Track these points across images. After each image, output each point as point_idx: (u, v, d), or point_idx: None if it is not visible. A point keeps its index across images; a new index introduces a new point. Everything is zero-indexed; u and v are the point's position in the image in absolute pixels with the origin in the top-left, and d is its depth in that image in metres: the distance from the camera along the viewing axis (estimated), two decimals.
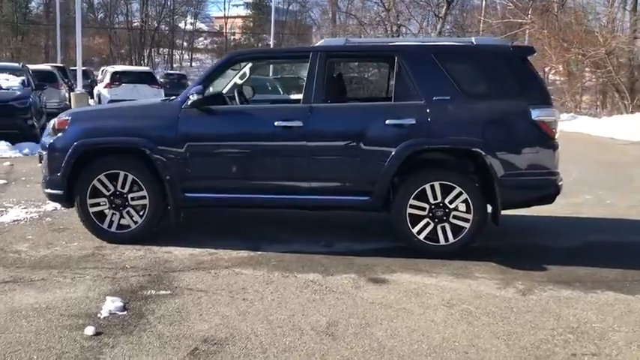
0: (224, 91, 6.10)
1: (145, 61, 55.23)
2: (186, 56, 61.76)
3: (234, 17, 62.12)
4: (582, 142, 14.50)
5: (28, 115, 11.26)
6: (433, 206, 4.87)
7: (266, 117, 5.02)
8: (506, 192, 4.82)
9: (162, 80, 24.94)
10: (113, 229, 5.15)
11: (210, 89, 5.46)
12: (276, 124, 4.91)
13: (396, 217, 4.93)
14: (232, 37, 61.26)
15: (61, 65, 22.60)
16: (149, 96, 16.62)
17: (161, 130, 4.99)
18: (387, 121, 4.82)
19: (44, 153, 5.24)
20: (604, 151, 13.20)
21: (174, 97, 5.37)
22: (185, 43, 61.55)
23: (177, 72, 38.22)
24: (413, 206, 4.88)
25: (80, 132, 5.08)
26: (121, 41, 56.35)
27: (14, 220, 5.90)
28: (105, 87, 18.54)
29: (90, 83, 23.79)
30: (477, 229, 4.88)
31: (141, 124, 5.07)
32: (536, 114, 4.78)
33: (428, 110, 4.81)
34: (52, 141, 5.17)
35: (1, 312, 3.66)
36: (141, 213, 5.12)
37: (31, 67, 15.67)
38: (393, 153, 4.80)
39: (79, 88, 18.59)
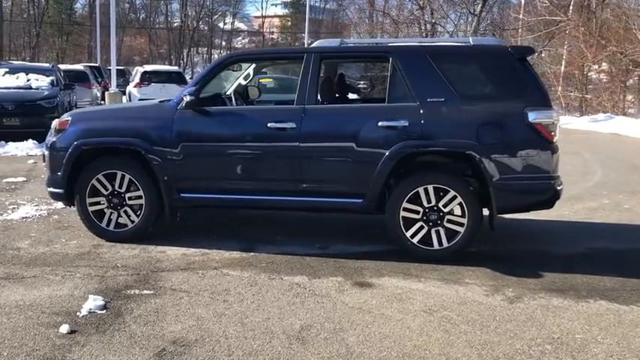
0: (228, 92, 6.15)
1: (185, 60, 56.15)
2: None
3: (272, 17, 62.59)
4: (615, 144, 14.06)
5: (55, 115, 11.49)
6: (427, 210, 4.79)
7: (259, 118, 5.02)
8: (502, 196, 4.69)
9: None
10: (111, 227, 5.24)
11: (211, 90, 5.50)
12: (269, 125, 4.90)
13: (389, 220, 4.86)
14: (270, 37, 61.72)
15: (97, 65, 23.15)
16: None
17: (156, 131, 5.05)
18: (379, 123, 4.76)
19: (47, 152, 5.37)
20: (636, 154, 12.74)
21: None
22: (224, 43, 62.32)
23: None
24: (406, 209, 4.81)
25: (79, 132, 5.18)
26: (160, 41, 57.43)
27: (23, 218, 6.06)
28: (135, 86, 18.93)
29: (123, 82, 24.26)
30: (472, 233, 4.77)
31: (137, 125, 5.13)
32: (533, 116, 4.63)
33: (421, 112, 4.72)
34: (53, 141, 5.29)
35: None
36: (138, 212, 5.19)
37: (64, 67, 16.11)
38: (385, 155, 4.74)
39: (114, 87, 19.08)
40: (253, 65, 6.28)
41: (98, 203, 5.22)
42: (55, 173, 5.24)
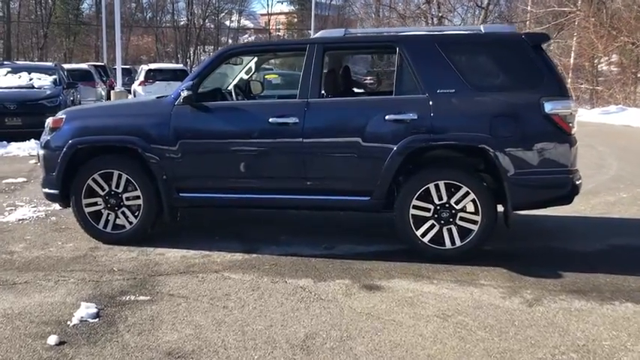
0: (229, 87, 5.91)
1: (191, 58, 56.01)
2: None
3: (278, 14, 62.36)
4: (628, 136, 13.70)
5: None
6: (438, 207, 4.53)
7: (260, 113, 4.78)
8: (518, 191, 4.43)
9: None
10: (109, 229, 5.02)
11: (210, 85, 5.27)
12: (270, 120, 4.67)
13: (398, 219, 4.61)
14: (277, 34, 61.48)
15: (102, 64, 23.01)
16: None
17: (153, 128, 4.82)
18: (386, 117, 4.51)
19: (41, 152, 5.16)
20: None
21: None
22: (230, 41, 62.08)
23: None
24: (416, 207, 4.56)
25: (74, 130, 4.97)
26: (167, 39, 57.32)
27: (19, 220, 5.86)
28: (139, 84, 18.77)
29: (129, 81, 24.13)
30: (486, 231, 4.51)
31: (133, 122, 4.91)
32: (549, 107, 4.36)
33: (431, 104, 4.47)
34: (47, 140, 5.08)
35: None
36: (136, 213, 4.97)
37: (68, 66, 15.96)
38: (393, 150, 4.49)
39: (119, 86, 18.93)
40: (255, 59, 6.03)
41: (95, 204, 5.01)
42: (49, 173, 5.03)
